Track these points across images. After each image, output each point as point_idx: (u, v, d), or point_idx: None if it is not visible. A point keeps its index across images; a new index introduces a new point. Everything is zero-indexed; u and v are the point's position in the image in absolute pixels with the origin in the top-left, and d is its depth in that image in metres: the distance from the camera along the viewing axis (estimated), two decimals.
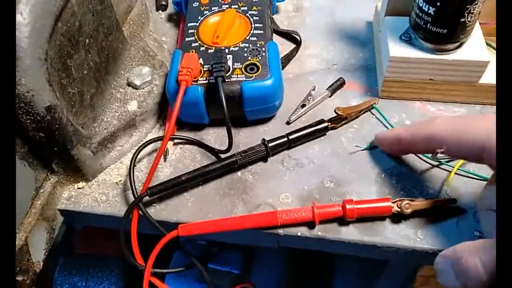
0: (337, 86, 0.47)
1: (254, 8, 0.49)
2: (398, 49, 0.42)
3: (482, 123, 0.31)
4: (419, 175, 0.39)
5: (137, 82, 0.45)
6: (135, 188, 0.38)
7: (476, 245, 0.27)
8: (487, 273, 0.26)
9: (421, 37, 0.42)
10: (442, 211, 0.37)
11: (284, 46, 0.51)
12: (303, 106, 0.45)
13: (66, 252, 0.57)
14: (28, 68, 0.31)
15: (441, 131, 0.33)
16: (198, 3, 0.50)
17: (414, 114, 0.44)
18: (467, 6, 0.38)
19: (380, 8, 0.49)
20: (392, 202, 0.36)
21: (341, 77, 0.47)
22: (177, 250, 0.57)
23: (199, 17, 0.48)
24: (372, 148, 0.42)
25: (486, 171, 0.39)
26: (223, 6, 0.49)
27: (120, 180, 0.41)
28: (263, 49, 0.44)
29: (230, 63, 0.43)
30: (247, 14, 0.48)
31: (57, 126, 0.34)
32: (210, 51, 0.44)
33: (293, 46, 0.51)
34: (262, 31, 0.46)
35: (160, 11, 0.58)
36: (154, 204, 0.39)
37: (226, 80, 0.41)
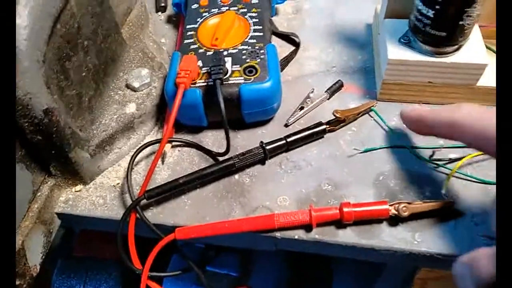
0: (335, 89, 0.46)
1: (254, 10, 0.49)
2: (397, 52, 0.42)
3: None
4: (417, 178, 0.39)
5: (136, 84, 0.45)
6: (133, 191, 0.38)
7: (493, 251, 0.27)
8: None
9: (420, 40, 0.42)
10: (439, 214, 0.37)
11: (283, 48, 0.51)
12: (302, 108, 0.45)
13: (64, 255, 0.57)
14: (26, 70, 0.31)
15: (462, 120, 0.32)
16: (197, 5, 0.50)
17: None
18: (466, 9, 0.38)
19: (379, 10, 0.49)
20: (390, 205, 0.36)
21: (339, 80, 0.47)
22: (175, 253, 0.56)
23: (198, 19, 0.48)
24: (370, 150, 0.42)
25: (484, 174, 0.39)
26: (222, 8, 0.49)
27: (118, 183, 0.41)
28: (262, 51, 0.44)
29: (228, 65, 0.43)
30: (246, 16, 0.48)
31: (54, 129, 0.34)
32: (208, 53, 0.44)
33: (292, 48, 0.51)
34: (261, 33, 0.46)
35: (159, 13, 0.58)
36: (151, 207, 0.39)
37: (225, 82, 0.41)
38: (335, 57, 0.50)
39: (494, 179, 0.39)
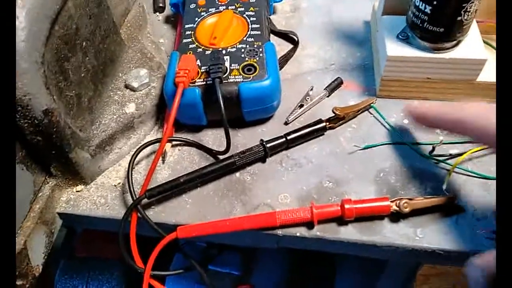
0: (334, 86, 0.47)
1: (251, 8, 0.49)
2: (395, 48, 0.42)
3: None
4: (418, 174, 0.39)
5: (135, 84, 0.45)
6: (134, 191, 0.38)
7: None
8: None
9: (418, 36, 0.42)
10: (441, 210, 0.37)
11: (281, 47, 0.51)
12: (301, 106, 0.45)
13: (66, 256, 0.57)
14: (25, 71, 0.31)
15: (469, 118, 0.33)
16: (195, 5, 0.50)
17: None
18: (464, 5, 0.38)
19: (377, 7, 0.49)
20: (391, 201, 0.36)
21: (338, 77, 0.47)
22: (177, 252, 0.56)
23: (196, 19, 0.48)
24: (370, 147, 0.42)
25: (485, 169, 0.39)
26: (220, 7, 0.49)
27: (119, 183, 0.41)
28: (261, 49, 0.44)
29: (227, 64, 0.43)
30: (244, 15, 0.48)
31: (54, 129, 0.34)
32: (207, 52, 0.44)
33: (290, 46, 0.51)
34: (259, 32, 0.46)
35: (157, 13, 0.58)
36: (152, 206, 0.39)
37: (224, 81, 0.41)
38: (333, 54, 0.50)
39: (495, 174, 0.39)
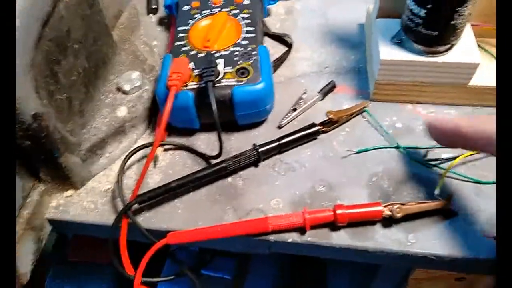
0: (328, 89, 0.46)
1: (245, 11, 0.48)
2: (389, 52, 0.42)
3: None
4: (411, 178, 0.39)
5: (127, 87, 0.44)
6: (124, 196, 0.38)
7: None
8: None
9: (412, 40, 0.42)
10: (433, 215, 0.37)
11: (275, 49, 0.51)
12: (295, 109, 0.45)
13: (57, 260, 0.57)
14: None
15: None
16: (189, 7, 0.50)
17: (405, 117, 0.44)
18: (458, 9, 0.38)
19: (371, 10, 0.49)
20: (383, 206, 0.36)
21: (332, 80, 0.47)
22: (169, 257, 0.56)
23: (190, 21, 0.48)
24: (363, 151, 0.41)
25: (477, 174, 0.39)
26: (214, 10, 0.49)
27: (109, 188, 0.40)
28: (255, 52, 0.43)
29: (221, 67, 0.42)
30: (238, 17, 0.47)
31: (44, 134, 0.34)
32: (200, 55, 0.44)
33: (284, 49, 0.51)
34: (253, 35, 0.45)
35: (151, 15, 0.58)
36: (143, 212, 0.39)
37: (217, 84, 0.41)
38: (327, 57, 0.50)
39: (487, 179, 0.38)
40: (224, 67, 0.42)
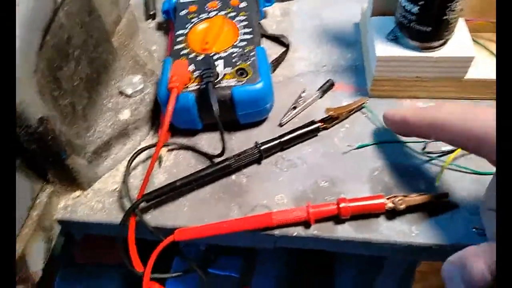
0: (327, 87, 0.47)
1: (242, 13, 0.49)
2: (384, 49, 0.43)
3: (486, 115, 0.30)
4: (412, 171, 0.40)
5: (129, 90, 0.45)
6: (131, 195, 0.39)
7: (481, 250, 0.27)
8: (494, 278, 0.25)
9: (406, 36, 0.42)
10: (435, 206, 0.37)
11: (273, 50, 0.52)
12: (295, 108, 0.46)
13: (65, 262, 0.57)
14: (19, 80, 0.31)
15: (443, 120, 0.33)
16: (186, 11, 0.51)
17: None
18: (448, 4, 0.39)
19: (366, 9, 0.50)
20: (386, 199, 0.37)
21: (330, 79, 0.48)
22: (177, 255, 0.56)
23: (188, 25, 0.49)
24: (363, 146, 0.42)
25: (477, 165, 0.40)
26: (211, 13, 0.50)
27: (116, 188, 0.41)
28: (252, 53, 0.44)
29: (220, 68, 0.43)
30: (235, 20, 0.48)
31: (50, 137, 0.34)
32: (199, 57, 0.45)
33: (282, 49, 0.52)
34: (250, 36, 0.46)
35: (149, 20, 0.58)
36: (150, 210, 0.39)
37: (217, 85, 0.41)
38: (324, 56, 0.51)
39: (487, 170, 0.39)
40: (224, 68, 0.43)
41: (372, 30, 0.45)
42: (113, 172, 0.42)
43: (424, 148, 0.41)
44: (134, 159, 0.41)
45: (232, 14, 0.49)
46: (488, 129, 0.30)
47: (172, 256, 0.57)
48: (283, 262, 0.60)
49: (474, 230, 0.36)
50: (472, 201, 0.38)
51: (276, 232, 0.37)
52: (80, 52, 0.40)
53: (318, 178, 0.40)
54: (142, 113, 0.44)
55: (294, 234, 0.37)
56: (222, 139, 0.40)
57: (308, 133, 0.43)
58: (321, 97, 0.47)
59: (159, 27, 0.58)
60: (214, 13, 0.50)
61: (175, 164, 0.43)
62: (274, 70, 0.50)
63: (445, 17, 0.40)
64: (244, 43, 0.46)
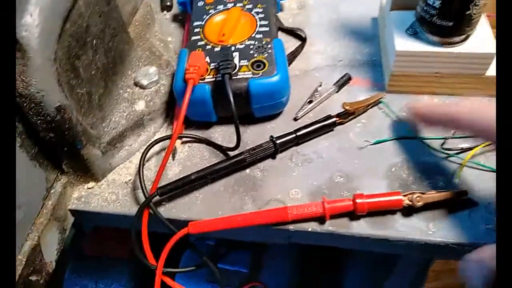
0: (343, 82, 0.46)
1: (259, 6, 0.49)
2: (404, 43, 0.42)
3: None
4: (430, 168, 0.39)
5: (144, 82, 0.45)
6: (145, 188, 0.38)
7: None
8: None
9: (427, 31, 0.42)
10: (453, 204, 0.37)
11: (289, 44, 0.51)
12: (310, 102, 0.45)
13: (75, 255, 0.57)
14: (39, 68, 0.31)
15: (463, 112, 0.33)
16: (203, 2, 0.50)
17: None
18: None
19: (385, 3, 0.49)
20: (403, 196, 0.36)
21: (347, 73, 0.47)
22: (186, 250, 0.56)
23: (205, 16, 0.48)
24: (380, 142, 0.42)
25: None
26: (228, 5, 0.49)
27: (130, 179, 0.41)
28: (269, 46, 0.44)
29: (236, 60, 0.43)
30: (252, 12, 0.48)
31: (67, 126, 0.34)
32: (216, 49, 0.44)
33: (298, 43, 0.51)
34: (267, 28, 0.46)
35: (165, 12, 0.58)
36: (164, 203, 0.39)
37: (233, 77, 0.41)
38: (341, 50, 0.50)
39: None
40: (240, 60, 0.43)
41: (391, 24, 0.44)
42: (126, 164, 0.42)
43: (442, 144, 0.40)
44: (149, 150, 0.41)
45: (249, 6, 0.49)
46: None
47: (180, 250, 0.57)
48: (292, 258, 0.60)
49: (486, 227, 0.35)
50: (491, 199, 0.37)
51: (291, 227, 0.37)
52: (98, 41, 0.40)
53: (333, 173, 0.40)
54: (157, 104, 0.44)
55: (309, 230, 0.36)
56: (237, 132, 0.39)
57: (324, 127, 0.42)
58: (337, 92, 0.46)
59: (175, 18, 0.57)
60: (231, 5, 0.49)
61: (189, 156, 0.42)
62: (290, 63, 0.49)
63: (468, 12, 0.39)
64: (261, 35, 0.45)
